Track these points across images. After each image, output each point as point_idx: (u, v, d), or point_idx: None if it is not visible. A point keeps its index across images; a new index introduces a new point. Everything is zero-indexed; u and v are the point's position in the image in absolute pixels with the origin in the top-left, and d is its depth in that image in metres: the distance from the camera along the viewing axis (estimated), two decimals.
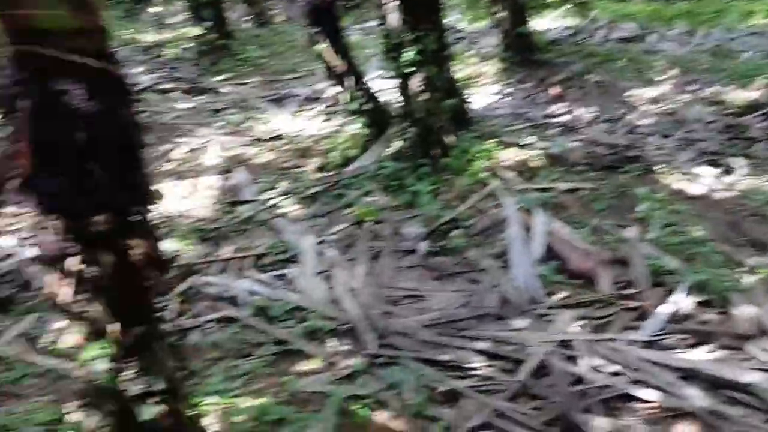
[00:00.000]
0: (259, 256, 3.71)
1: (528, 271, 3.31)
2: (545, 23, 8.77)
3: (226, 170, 4.77)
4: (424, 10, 4.28)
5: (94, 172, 1.55)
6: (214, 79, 7.42)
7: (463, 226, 3.86)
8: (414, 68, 4.20)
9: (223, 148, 5.15)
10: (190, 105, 6.48)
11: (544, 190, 3.95)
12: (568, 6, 9.33)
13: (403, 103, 4.44)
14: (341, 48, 4.79)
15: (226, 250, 3.79)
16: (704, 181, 4.04)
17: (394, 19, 4.21)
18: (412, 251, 3.73)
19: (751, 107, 5.53)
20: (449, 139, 4.37)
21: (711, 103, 5.73)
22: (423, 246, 3.72)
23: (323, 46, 4.69)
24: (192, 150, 5.15)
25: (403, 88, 4.37)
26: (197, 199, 4.40)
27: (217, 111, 6.26)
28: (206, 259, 3.68)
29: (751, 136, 4.94)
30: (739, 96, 5.83)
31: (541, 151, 4.37)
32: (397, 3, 4.18)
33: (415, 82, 4.21)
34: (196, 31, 8.52)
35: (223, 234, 3.99)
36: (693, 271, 3.18)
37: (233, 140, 5.36)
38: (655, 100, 5.88)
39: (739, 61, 7.08)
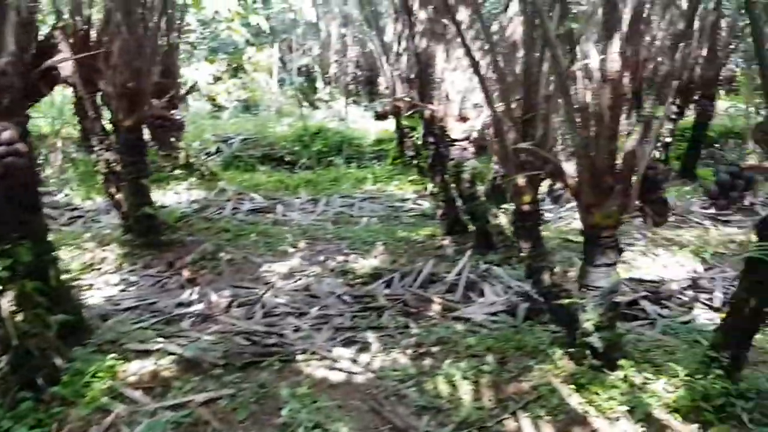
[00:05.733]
0: None
1: None
2: (172, 197, 8.73)
3: None
4: (11, 215, 3.58)
5: None
6: None
7: None
8: (2, 286, 3.43)
9: None
10: None
11: (179, 406, 3.48)
12: (194, 179, 9.49)
13: None
14: None
15: None
16: (343, 364, 3.92)
17: None
18: None
19: (375, 275, 5.69)
20: (59, 361, 3.64)
21: (340, 274, 5.81)
22: None
23: None
24: None
25: None
26: None
27: None
28: None
29: (379, 305, 4.99)
30: (363, 264, 6.04)
31: (174, 356, 3.94)
32: None
33: (6, 302, 3.44)
34: None
35: None
36: None
37: None
38: (289, 275, 5.83)
39: (359, 227, 7.54)
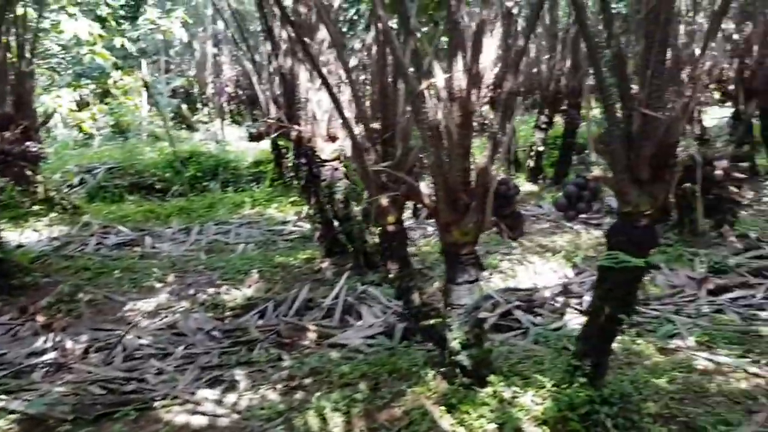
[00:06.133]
0: None
1: None
2: (30, 235, 8.23)
3: None
4: None
5: None
6: None
7: None
8: None
9: None
10: None
11: None
12: (56, 214, 9.02)
13: None
14: None
15: None
16: (207, 407, 3.81)
17: None
18: None
19: (248, 306, 5.56)
20: None
21: (211, 307, 5.63)
22: None
23: None
24: None
25: None
26: None
27: None
28: None
29: (252, 338, 4.88)
30: (236, 295, 5.89)
31: (16, 415, 3.71)
32: None
33: None
34: None
35: None
36: None
37: None
38: (154, 313, 5.60)
39: (234, 255, 7.34)
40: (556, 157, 10.75)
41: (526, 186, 10.24)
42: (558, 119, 10.77)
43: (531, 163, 10.61)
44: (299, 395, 3.83)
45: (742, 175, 6.42)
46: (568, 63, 9.91)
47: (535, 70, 10.59)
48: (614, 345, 3.56)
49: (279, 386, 3.97)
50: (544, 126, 10.40)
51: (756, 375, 3.77)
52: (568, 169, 10.44)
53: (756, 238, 6.39)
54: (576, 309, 5.12)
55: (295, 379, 4.04)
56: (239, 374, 4.23)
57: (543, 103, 10.48)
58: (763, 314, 4.75)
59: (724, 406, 3.42)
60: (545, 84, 10.24)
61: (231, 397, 3.91)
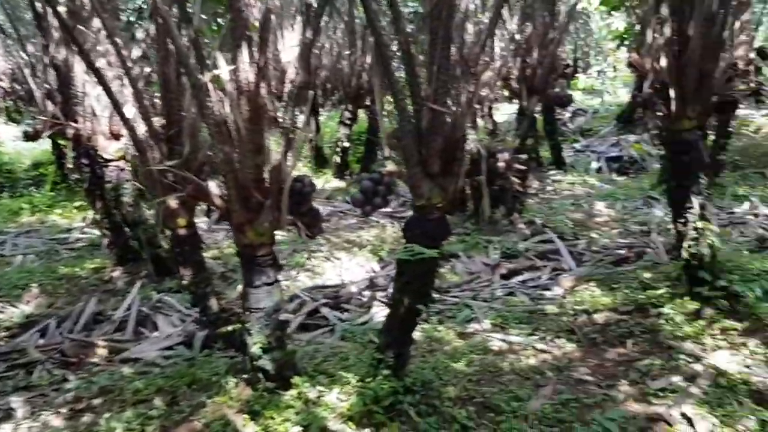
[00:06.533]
0: None
1: None
2: None
3: None
4: None
5: None
6: None
7: None
8: None
9: None
10: None
11: None
12: None
13: None
14: None
15: None
16: None
17: None
18: None
19: (27, 324, 5.13)
20: None
21: None
22: None
23: None
24: None
25: None
26: None
27: None
28: None
29: (31, 359, 4.48)
30: (13, 312, 5.40)
31: None
32: None
33: None
34: None
35: None
36: None
37: None
38: None
39: (11, 269, 6.73)
40: (362, 153, 11.00)
41: (333, 182, 10.37)
42: (362, 115, 11.00)
43: (337, 158, 10.75)
44: (87, 418, 3.53)
45: (523, 167, 7.02)
46: (369, 59, 10.15)
47: (339, 65, 10.75)
48: (417, 334, 3.69)
49: (63, 410, 3.65)
50: (348, 122, 10.57)
51: (543, 351, 4.11)
52: (372, 164, 10.71)
53: (541, 224, 6.96)
54: (382, 302, 5.24)
55: (82, 400, 3.74)
56: (16, 401, 3.85)
57: (346, 99, 10.65)
58: (548, 294, 5.20)
59: (516, 383, 3.67)
60: (347, 80, 10.41)
61: (6, 428, 3.55)
